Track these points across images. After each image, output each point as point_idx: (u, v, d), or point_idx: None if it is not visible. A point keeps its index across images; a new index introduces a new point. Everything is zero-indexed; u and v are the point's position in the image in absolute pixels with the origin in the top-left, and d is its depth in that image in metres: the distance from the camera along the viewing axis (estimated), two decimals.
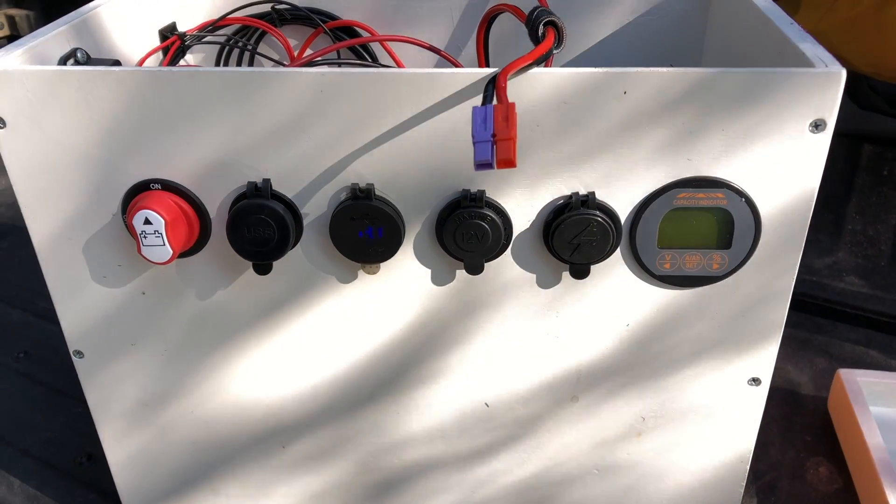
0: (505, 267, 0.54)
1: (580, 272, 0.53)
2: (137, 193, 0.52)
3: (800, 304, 1.02)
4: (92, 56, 0.60)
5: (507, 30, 0.74)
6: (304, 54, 0.78)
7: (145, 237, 0.50)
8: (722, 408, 0.59)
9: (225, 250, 0.53)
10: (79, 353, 0.59)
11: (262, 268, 0.54)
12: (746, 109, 0.48)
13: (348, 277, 0.55)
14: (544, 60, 0.48)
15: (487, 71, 0.47)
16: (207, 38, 0.76)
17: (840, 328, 0.99)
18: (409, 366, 0.59)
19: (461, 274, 0.55)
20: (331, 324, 0.57)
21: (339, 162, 0.51)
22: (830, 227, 1.15)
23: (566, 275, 0.54)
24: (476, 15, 0.76)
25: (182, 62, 0.76)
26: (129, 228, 0.51)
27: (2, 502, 0.75)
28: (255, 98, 0.49)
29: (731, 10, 0.68)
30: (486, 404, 0.60)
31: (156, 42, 0.73)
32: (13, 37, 1.73)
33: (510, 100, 0.44)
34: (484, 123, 0.43)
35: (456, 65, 0.73)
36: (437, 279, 0.55)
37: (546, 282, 0.55)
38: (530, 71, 0.47)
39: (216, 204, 0.53)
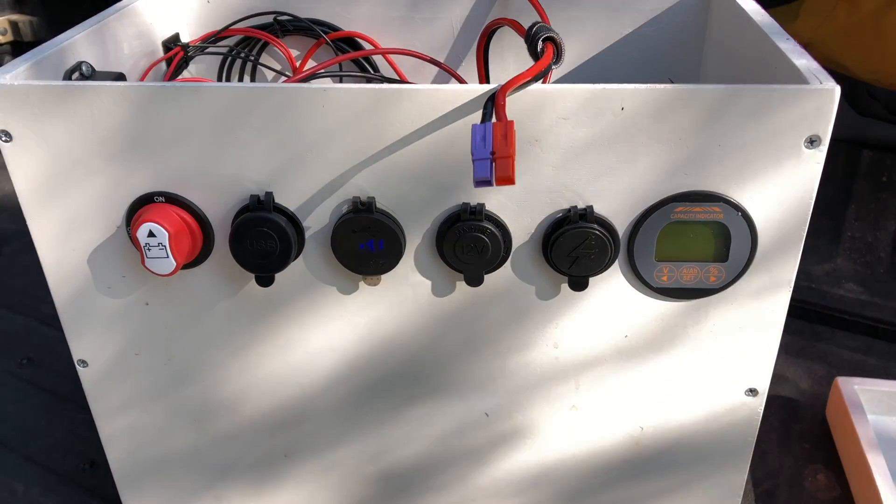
0: (504, 279, 0.55)
1: (579, 284, 0.54)
2: (141, 206, 0.52)
3: (798, 310, 1.02)
4: (96, 69, 0.60)
5: (507, 42, 0.75)
6: (307, 65, 0.79)
7: (149, 249, 0.50)
8: (719, 417, 0.60)
9: (228, 262, 0.54)
10: (83, 363, 0.60)
11: (265, 280, 0.54)
12: (742, 125, 0.48)
13: (349, 289, 0.56)
14: (543, 76, 0.48)
15: (487, 87, 0.47)
16: (210, 49, 0.76)
17: (839, 335, 0.99)
18: (409, 376, 0.59)
19: (461, 286, 0.55)
20: (332, 334, 0.58)
21: (340, 175, 0.51)
22: (829, 233, 1.15)
23: (565, 287, 0.55)
24: (477, 27, 0.76)
25: (185, 73, 0.77)
26: (134, 240, 0.51)
27: None
28: (258, 113, 0.49)
29: (728, 24, 0.68)
30: (486, 414, 0.61)
31: (159, 53, 0.74)
32: (16, 42, 1.73)
33: (509, 117, 0.44)
34: (483, 141, 0.43)
35: (456, 77, 0.74)
36: (438, 291, 0.56)
37: (545, 294, 0.55)
38: (529, 87, 0.47)
39: (219, 217, 0.53)
